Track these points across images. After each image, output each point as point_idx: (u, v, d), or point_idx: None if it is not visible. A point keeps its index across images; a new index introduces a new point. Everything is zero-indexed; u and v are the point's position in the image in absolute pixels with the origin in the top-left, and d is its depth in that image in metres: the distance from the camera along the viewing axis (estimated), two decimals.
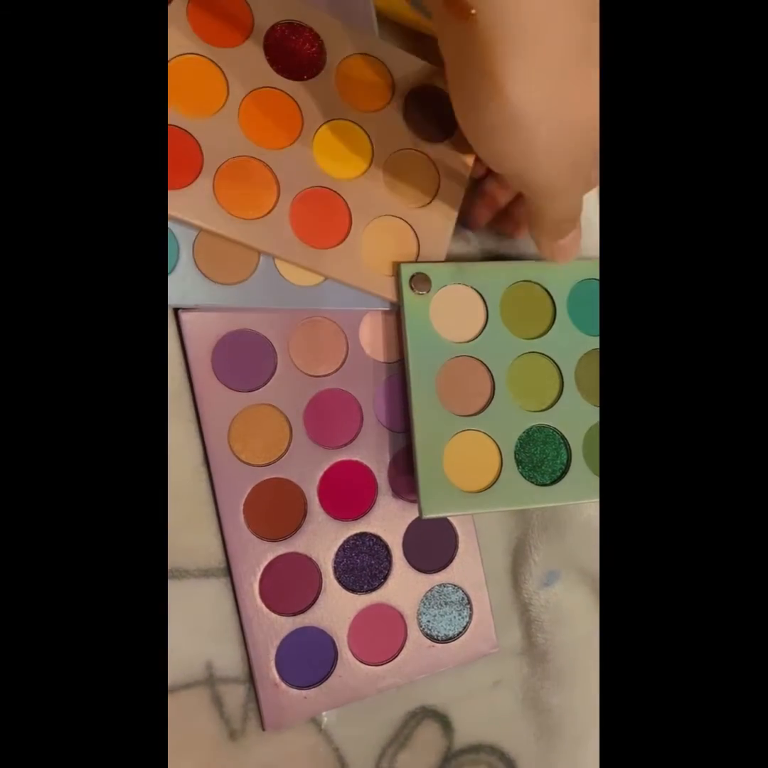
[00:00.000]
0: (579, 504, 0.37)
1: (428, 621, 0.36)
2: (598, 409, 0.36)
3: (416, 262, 0.35)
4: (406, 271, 0.34)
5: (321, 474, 0.35)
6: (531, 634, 0.37)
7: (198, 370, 0.33)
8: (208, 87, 0.33)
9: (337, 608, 0.34)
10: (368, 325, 0.36)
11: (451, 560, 0.36)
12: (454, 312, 0.35)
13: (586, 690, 0.37)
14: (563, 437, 0.35)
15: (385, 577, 0.35)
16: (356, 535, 0.35)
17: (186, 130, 0.32)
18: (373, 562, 0.35)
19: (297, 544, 0.34)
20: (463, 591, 0.36)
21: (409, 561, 0.35)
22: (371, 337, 0.36)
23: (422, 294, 0.35)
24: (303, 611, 0.34)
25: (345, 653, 0.34)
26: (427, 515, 0.33)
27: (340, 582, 0.34)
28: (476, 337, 0.35)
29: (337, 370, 0.35)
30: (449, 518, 0.36)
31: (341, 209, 0.34)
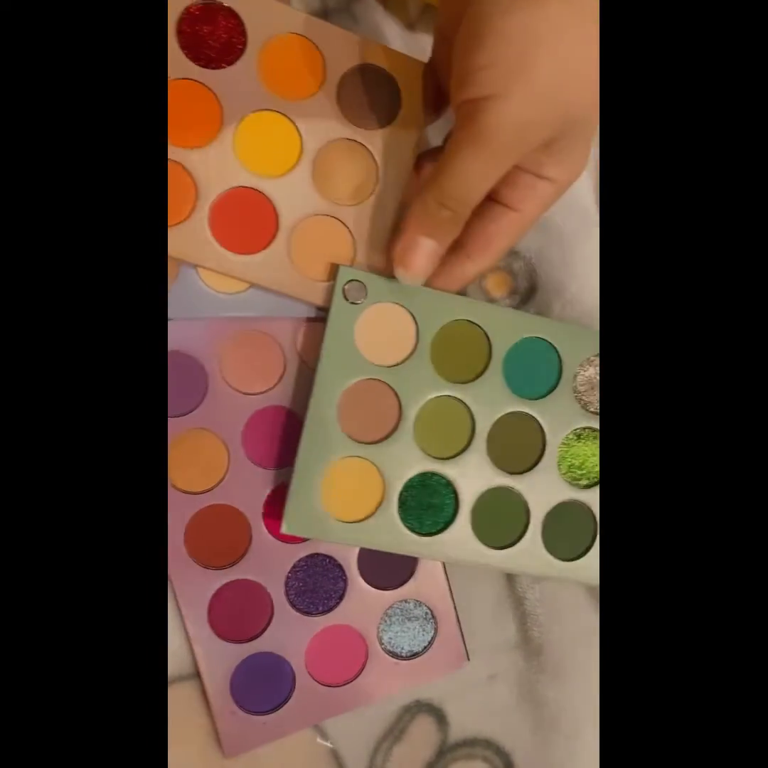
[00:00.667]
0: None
1: (390, 638, 0.34)
2: (500, 475, 0.32)
3: (357, 268, 0.32)
4: (344, 276, 0.31)
5: (264, 497, 0.33)
6: (526, 628, 0.35)
7: None
8: None
9: (291, 632, 0.33)
10: (306, 334, 0.33)
11: (411, 575, 0.34)
12: (381, 331, 0.32)
13: (582, 683, 0.36)
14: (456, 492, 0.32)
15: (341, 597, 0.34)
16: (307, 556, 0.33)
17: None
18: (326, 583, 0.34)
19: (244, 571, 0.33)
20: (426, 606, 0.34)
21: (365, 579, 0.34)
22: (311, 347, 0.33)
23: (354, 304, 0.32)
24: (256, 637, 0.33)
25: (303, 677, 0.33)
26: (286, 531, 0.31)
27: (292, 606, 0.33)
28: (397, 364, 0.32)
29: (275, 385, 0.33)
30: None
31: (267, 210, 0.31)
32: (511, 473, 0.32)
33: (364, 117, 0.31)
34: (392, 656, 0.34)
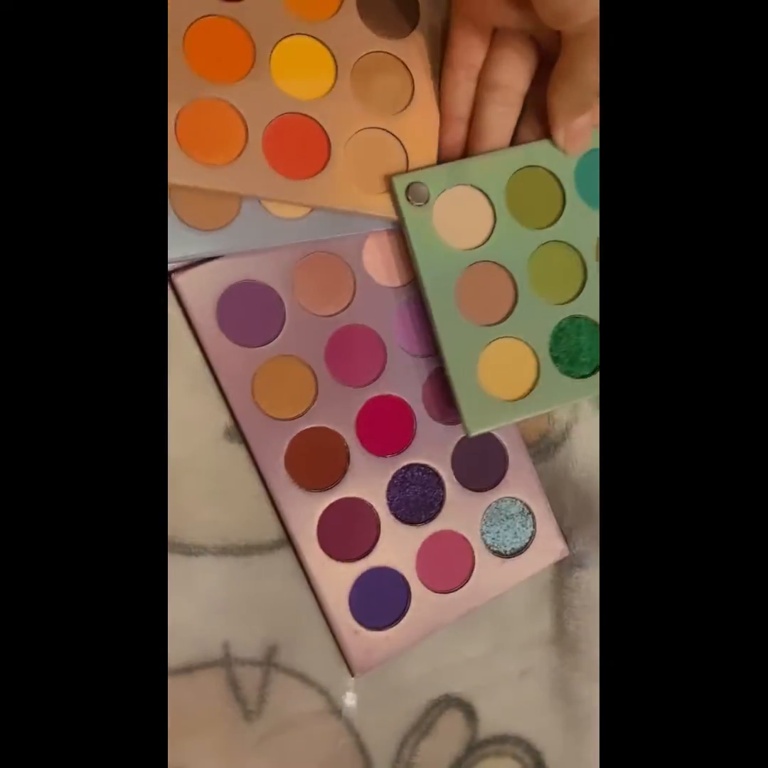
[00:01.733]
0: None
1: (493, 538, 0.35)
2: None
3: (408, 171, 0.33)
4: (400, 184, 0.32)
5: (355, 415, 0.33)
6: (562, 622, 0.35)
7: (206, 335, 0.32)
8: None
9: (399, 544, 0.33)
10: (371, 250, 0.34)
11: (503, 474, 0.35)
12: (459, 217, 0.33)
13: None
14: (596, 323, 0.34)
15: (441, 504, 0.34)
16: (403, 468, 0.34)
17: None
18: (425, 491, 0.34)
19: (346, 490, 0.33)
20: (521, 502, 0.35)
21: (461, 483, 0.34)
22: (377, 263, 0.34)
23: (421, 205, 0.32)
24: (367, 554, 0.33)
25: (417, 587, 0.34)
26: (474, 432, 0.32)
27: (397, 517, 0.34)
28: (487, 239, 0.33)
29: (348, 305, 0.34)
30: (494, 432, 0.35)
31: (316, 132, 0.32)
32: None
33: (388, 26, 0.33)
34: (497, 555, 0.35)
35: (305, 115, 0.32)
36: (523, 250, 0.34)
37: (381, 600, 0.33)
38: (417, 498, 0.34)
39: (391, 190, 0.32)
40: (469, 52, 0.32)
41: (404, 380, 0.34)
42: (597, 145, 0.34)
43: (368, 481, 0.33)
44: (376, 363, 0.34)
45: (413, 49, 0.33)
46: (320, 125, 0.32)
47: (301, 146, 0.32)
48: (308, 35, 0.32)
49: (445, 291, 0.32)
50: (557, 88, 0.31)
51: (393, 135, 0.33)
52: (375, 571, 0.33)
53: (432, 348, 0.34)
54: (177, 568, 0.31)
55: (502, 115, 0.33)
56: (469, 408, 0.32)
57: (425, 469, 0.34)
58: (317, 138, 0.32)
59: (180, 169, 0.30)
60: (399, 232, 0.34)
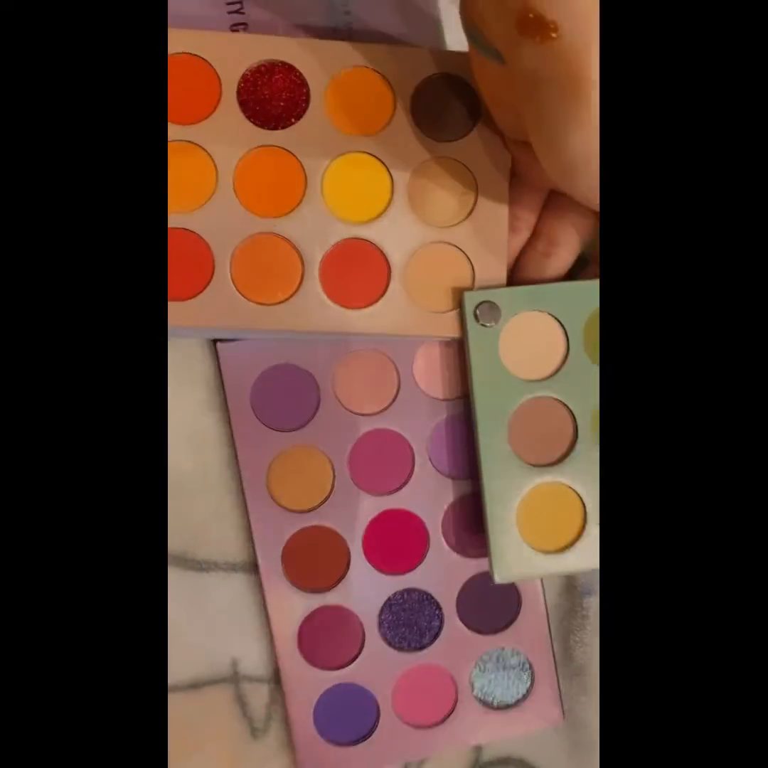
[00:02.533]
0: None
1: (482, 686, 0.32)
2: None
3: (482, 288, 0.30)
4: (470, 301, 0.30)
5: (366, 523, 0.31)
6: (569, 647, 0.33)
7: (236, 407, 0.31)
8: (194, 171, 0.28)
9: (381, 666, 0.32)
10: (424, 356, 0.32)
11: (511, 622, 0.32)
12: (528, 344, 0.30)
13: None
14: None
15: (435, 637, 0.32)
16: (404, 590, 0.32)
17: (186, 228, 0.28)
18: (421, 620, 0.32)
19: (338, 597, 0.31)
20: (523, 655, 0.32)
21: (462, 621, 0.32)
22: (427, 371, 0.32)
23: (490, 326, 0.30)
24: (344, 666, 0.32)
25: (387, 713, 0.32)
26: (500, 581, 0.29)
27: (385, 639, 0.32)
28: (555, 373, 0.30)
29: (387, 407, 0.32)
30: None
31: (374, 256, 0.29)
32: None
33: (445, 129, 0.29)
34: (482, 704, 0.32)
35: (361, 239, 0.29)
36: (592, 393, 0.30)
37: (348, 716, 0.32)
38: (411, 624, 0.32)
39: (459, 305, 0.30)
40: (525, 211, 0.30)
41: (427, 499, 0.32)
42: None
43: (363, 596, 0.31)
44: (401, 474, 0.32)
45: (475, 149, 0.29)
46: (378, 247, 0.29)
47: (359, 273, 0.29)
48: (360, 151, 0.29)
49: (499, 420, 0.30)
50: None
51: (456, 247, 0.30)
52: (348, 686, 0.32)
53: (466, 472, 0.32)
54: (188, 583, 0.32)
55: (559, 270, 0.30)
56: (500, 552, 0.29)
57: (427, 597, 0.32)
58: (376, 262, 0.29)
59: (238, 317, 0.28)
60: (457, 344, 0.31)
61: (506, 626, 0.32)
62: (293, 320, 0.29)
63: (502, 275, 0.30)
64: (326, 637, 0.32)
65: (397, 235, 0.29)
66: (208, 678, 0.32)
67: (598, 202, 0.24)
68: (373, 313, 0.29)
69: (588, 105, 0.21)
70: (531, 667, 0.32)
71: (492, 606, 0.32)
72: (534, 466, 0.30)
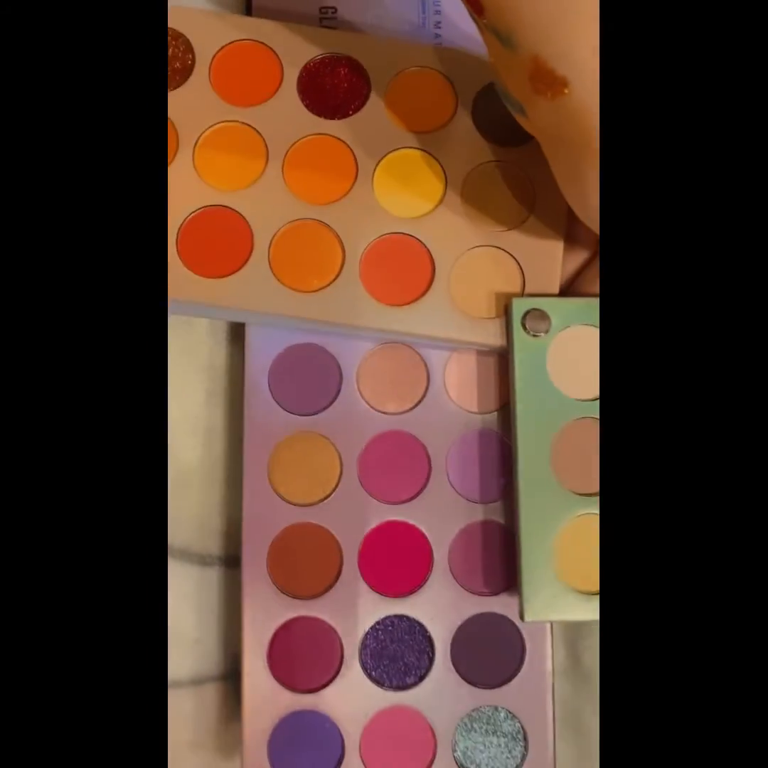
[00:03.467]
0: None
1: (466, 749, 0.28)
2: None
3: (532, 295, 0.28)
4: (519, 308, 0.27)
5: (366, 531, 0.28)
6: (577, 653, 0.31)
7: (251, 382, 0.29)
8: (245, 152, 0.28)
9: (355, 699, 0.28)
10: (459, 362, 0.29)
11: (511, 678, 0.28)
12: (578, 360, 0.27)
13: None
14: None
15: (421, 678, 0.28)
16: (395, 616, 0.28)
17: (228, 206, 0.28)
18: (409, 655, 0.28)
19: (320, 610, 0.28)
20: (519, 722, 0.28)
21: (455, 665, 0.28)
22: (459, 378, 0.29)
23: (538, 335, 0.27)
24: (314, 691, 0.28)
25: (352, 756, 0.28)
26: (530, 619, 0.26)
27: (364, 669, 0.28)
28: None
29: (410, 409, 0.29)
30: (517, 624, 0.28)
31: (420, 253, 0.28)
32: None
33: (505, 133, 0.28)
34: None
35: (408, 235, 0.28)
36: None
37: (306, 749, 0.28)
38: (396, 658, 0.28)
39: (506, 312, 0.27)
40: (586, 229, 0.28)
41: (437, 518, 0.29)
42: None
43: (349, 614, 0.28)
44: (414, 485, 0.29)
45: (535, 156, 0.28)
46: (425, 245, 0.28)
47: (402, 269, 0.28)
48: (416, 148, 0.28)
49: (542, 440, 0.27)
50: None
51: (508, 253, 0.28)
52: (314, 715, 0.28)
53: (485, 496, 0.28)
54: (189, 577, 0.31)
55: None
56: (532, 587, 0.26)
57: (420, 629, 0.28)
58: (421, 260, 0.28)
59: (274, 301, 0.27)
60: (497, 356, 0.29)
61: (504, 682, 0.28)
62: (326, 310, 0.27)
63: (554, 287, 0.28)
64: (300, 653, 0.28)
65: (446, 235, 0.28)
66: (210, 674, 0.30)
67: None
68: (411, 312, 0.28)
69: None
70: (526, 738, 0.28)
71: (491, 654, 0.28)
72: (577, 493, 0.27)
